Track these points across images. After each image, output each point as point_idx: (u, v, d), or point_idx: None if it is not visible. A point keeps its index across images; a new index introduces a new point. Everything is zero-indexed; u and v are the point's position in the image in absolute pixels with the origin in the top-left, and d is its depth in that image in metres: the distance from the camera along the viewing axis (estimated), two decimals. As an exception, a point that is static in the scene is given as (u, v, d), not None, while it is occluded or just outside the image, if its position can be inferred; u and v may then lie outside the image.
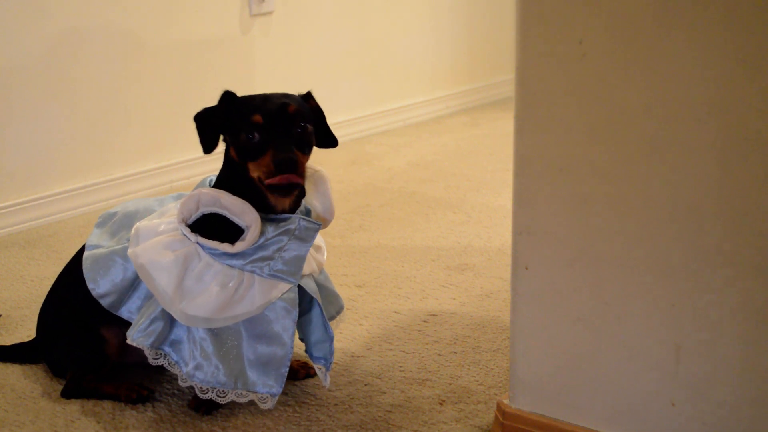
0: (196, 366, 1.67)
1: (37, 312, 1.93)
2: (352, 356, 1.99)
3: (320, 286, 1.83)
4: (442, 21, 4.45)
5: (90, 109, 3.10)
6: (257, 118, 1.61)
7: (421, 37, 4.35)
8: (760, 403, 1.36)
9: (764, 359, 1.35)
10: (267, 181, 1.61)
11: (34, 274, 2.53)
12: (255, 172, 1.63)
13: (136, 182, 3.24)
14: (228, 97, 1.69)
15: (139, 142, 3.26)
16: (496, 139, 3.94)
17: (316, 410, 1.78)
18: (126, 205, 1.87)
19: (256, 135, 1.62)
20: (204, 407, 1.76)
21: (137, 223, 1.74)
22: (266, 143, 1.61)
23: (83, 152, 3.10)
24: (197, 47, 3.38)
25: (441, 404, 1.79)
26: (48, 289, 1.93)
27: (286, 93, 1.69)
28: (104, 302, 1.75)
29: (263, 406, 1.69)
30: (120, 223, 1.83)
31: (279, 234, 1.66)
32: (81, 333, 1.80)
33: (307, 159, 1.65)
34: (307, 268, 1.75)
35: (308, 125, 1.65)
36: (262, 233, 1.65)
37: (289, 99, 1.66)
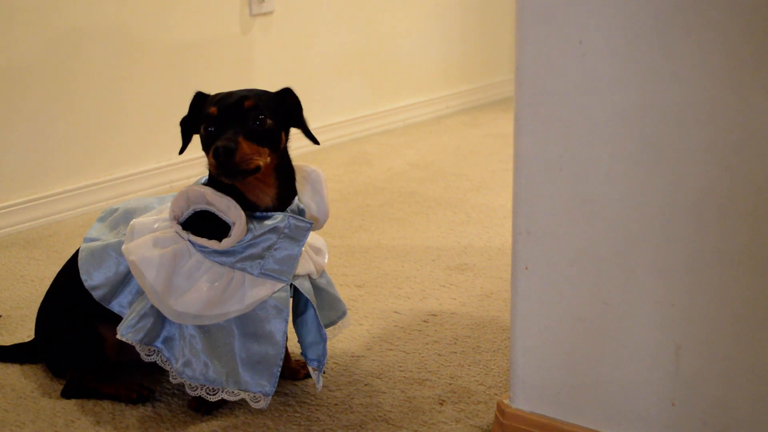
0: (185, 363, 1.67)
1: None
2: (352, 356, 1.99)
3: (321, 290, 1.83)
4: (442, 21, 4.45)
5: (90, 109, 3.10)
6: (212, 110, 1.64)
7: (421, 37, 4.35)
8: (760, 403, 1.36)
9: (764, 359, 1.35)
10: (212, 172, 1.63)
11: (34, 274, 2.53)
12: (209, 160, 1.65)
13: (136, 182, 3.24)
14: (198, 97, 1.72)
15: (139, 142, 3.26)
16: (496, 139, 3.95)
17: (316, 410, 1.78)
18: (127, 202, 1.88)
19: (211, 127, 1.64)
20: (204, 407, 1.76)
21: (133, 220, 1.75)
22: (218, 135, 1.63)
23: (83, 152, 3.10)
24: (197, 47, 3.38)
25: (441, 404, 1.79)
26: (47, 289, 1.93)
27: (253, 89, 1.70)
28: (96, 294, 1.75)
29: (255, 406, 1.69)
30: (120, 218, 1.84)
31: (267, 232, 1.67)
32: (79, 332, 1.80)
33: (265, 151, 1.65)
34: (302, 269, 1.75)
35: (267, 119, 1.65)
36: (248, 230, 1.66)
37: (250, 93, 1.67)
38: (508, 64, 4.76)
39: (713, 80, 1.29)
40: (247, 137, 1.62)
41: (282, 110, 1.71)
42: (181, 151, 1.75)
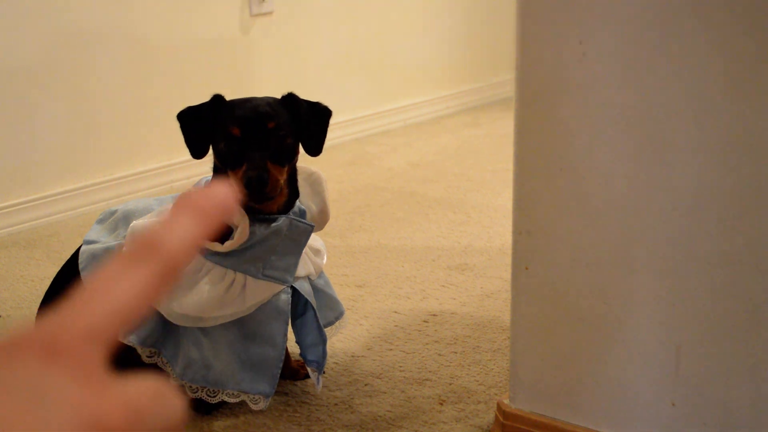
0: (185, 365, 1.67)
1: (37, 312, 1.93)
2: (352, 356, 1.99)
3: (319, 291, 1.83)
4: (442, 21, 4.45)
5: (90, 109, 3.10)
6: (235, 131, 1.61)
7: (421, 37, 4.35)
8: (760, 403, 1.36)
9: (764, 359, 1.35)
10: (240, 197, 1.62)
11: (34, 274, 2.53)
12: (232, 180, 1.63)
13: (136, 182, 3.24)
14: (217, 101, 1.68)
15: (139, 142, 3.26)
16: (496, 139, 3.94)
17: (316, 410, 1.78)
18: (127, 204, 1.88)
19: (234, 147, 1.62)
20: (204, 407, 1.76)
21: (133, 222, 1.75)
22: (242, 156, 1.61)
23: (83, 152, 3.10)
24: (197, 47, 3.38)
25: (441, 404, 1.79)
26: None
27: (270, 102, 1.67)
28: None
29: (255, 407, 1.69)
30: (120, 220, 1.84)
31: (269, 234, 1.66)
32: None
33: (285, 169, 1.64)
34: (302, 270, 1.75)
35: (288, 138, 1.65)
36: (251, 233, 1.65)
37: (271, 111, 1.64)
38: (508, 64, 4.76)
39: (713, 80, 1.29)
40: (272, 160, 1.61)
41: (293, 119, 1.69)
42: (199, 156, 1.70)
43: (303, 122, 1.69)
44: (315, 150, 1.73)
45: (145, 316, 0.37)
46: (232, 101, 1.67)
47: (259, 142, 1.61)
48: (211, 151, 1.70)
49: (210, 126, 1.67)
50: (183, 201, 0.39)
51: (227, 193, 0.40)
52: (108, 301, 0.36)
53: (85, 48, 3.05)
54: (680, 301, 1.39)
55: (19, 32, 2.88)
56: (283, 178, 1.63)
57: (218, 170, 1.69)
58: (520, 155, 1.48)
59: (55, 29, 2.96)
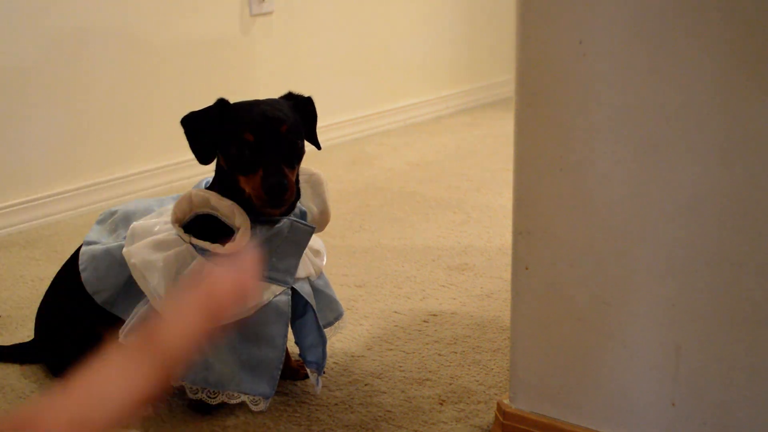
0: (186, 366, 1.67)
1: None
2: (352, 356, 1.99)
3: (319, 291, 1.83)
4: (442, 21, 4.45)
5: (90, 109, 3.10)
6: (248, 136, 1.60)
7: (421, 37, 4.35)
8: (760, 403, 1.36)
9: (764, 359, 1.35)
10: (255, 202, 1.62)
11: (34, 274, 2.53)
12: (245, 186, 1.62)
13: (137, 182, 3.24)
14: (222, 105, 1.67)
15: (139, 142, 3.26)
16: (496, 139, 3.94)
17: (316, 410, 1.78)
18: (127, 204, 1.88)
19: (247, 152, 1.61)
20: (204, 408, 1.76)
21: (134, 223, 1.75)
22: (257, 161, 1.60)
23: (83, 152, 3.10)
24: (197, 47, 3.38)
25: (441, 404, 1.79)
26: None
27: (277, 106, 1.66)
28: (98, 299, 1.75)
29: (255, 408, 1.69)
30: (119, 221, 1.83)
31: (271, 236, 1.66)
32: (79, 332, 1.80)
33: (295, 171, 1.65)
34: (302, 272, 1.75)
35: (299, 141, 1.65)
36: (252, 235, 1.65)
37: (283, 116, 1.63)
38: (508, 64, 4.76)
39: (713, 80, 1.28)
40: (286, 165, 1.62)
41: (300, 122, 1.69)
42: (206, 161, 1.69)
43: (307, 120, 1.70)
44: (317, 142, 1.76)
45: (149, 399, 0.37)
46: (237, 105, 1.66)
47: (272, 147, 1.61)
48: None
49: (216, 131, 1.66)
50: (199, 293, 0.38)
51: (245, 287, 0.38)
52: (98, 395, 0.35)
53: (85, 48, 3.05)
54: (680, 301, 1.39)
55: (19, 32, 2.88)
56: (293, 180, 1.64)
57: (223, 173, 1.68)
58: (520, 155, 1.48)
59: (55, 29, 2.96)
